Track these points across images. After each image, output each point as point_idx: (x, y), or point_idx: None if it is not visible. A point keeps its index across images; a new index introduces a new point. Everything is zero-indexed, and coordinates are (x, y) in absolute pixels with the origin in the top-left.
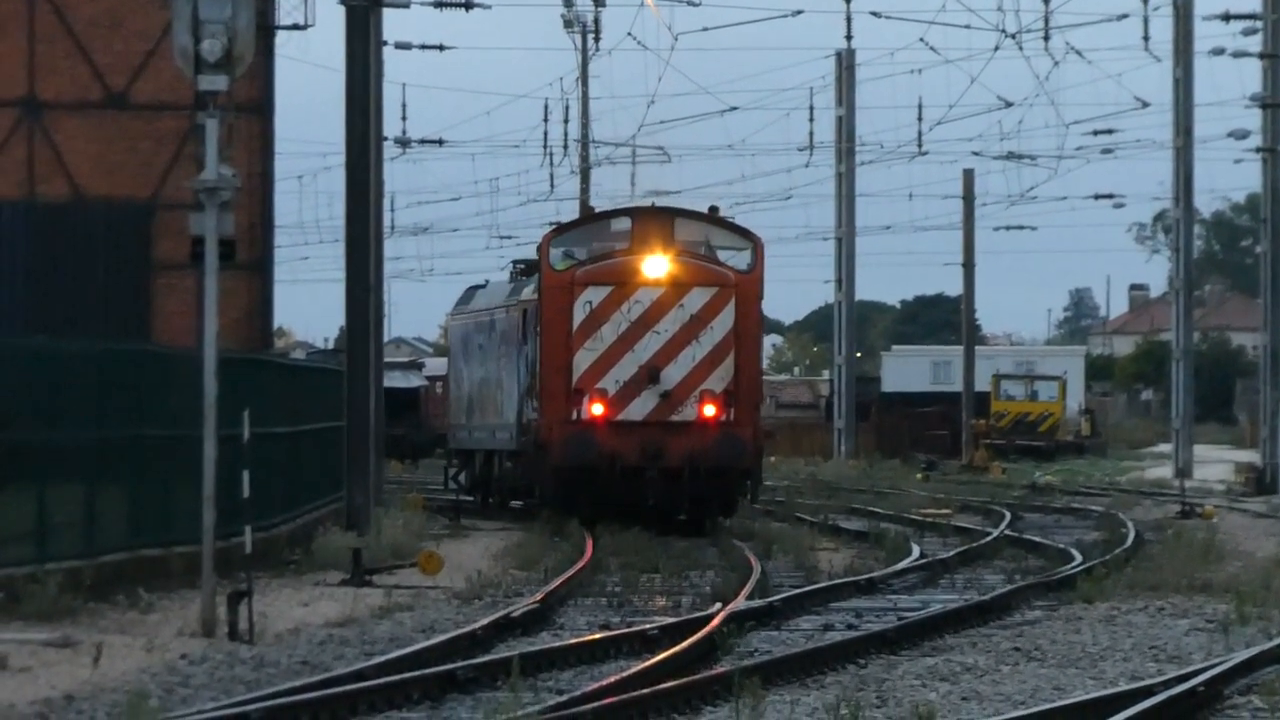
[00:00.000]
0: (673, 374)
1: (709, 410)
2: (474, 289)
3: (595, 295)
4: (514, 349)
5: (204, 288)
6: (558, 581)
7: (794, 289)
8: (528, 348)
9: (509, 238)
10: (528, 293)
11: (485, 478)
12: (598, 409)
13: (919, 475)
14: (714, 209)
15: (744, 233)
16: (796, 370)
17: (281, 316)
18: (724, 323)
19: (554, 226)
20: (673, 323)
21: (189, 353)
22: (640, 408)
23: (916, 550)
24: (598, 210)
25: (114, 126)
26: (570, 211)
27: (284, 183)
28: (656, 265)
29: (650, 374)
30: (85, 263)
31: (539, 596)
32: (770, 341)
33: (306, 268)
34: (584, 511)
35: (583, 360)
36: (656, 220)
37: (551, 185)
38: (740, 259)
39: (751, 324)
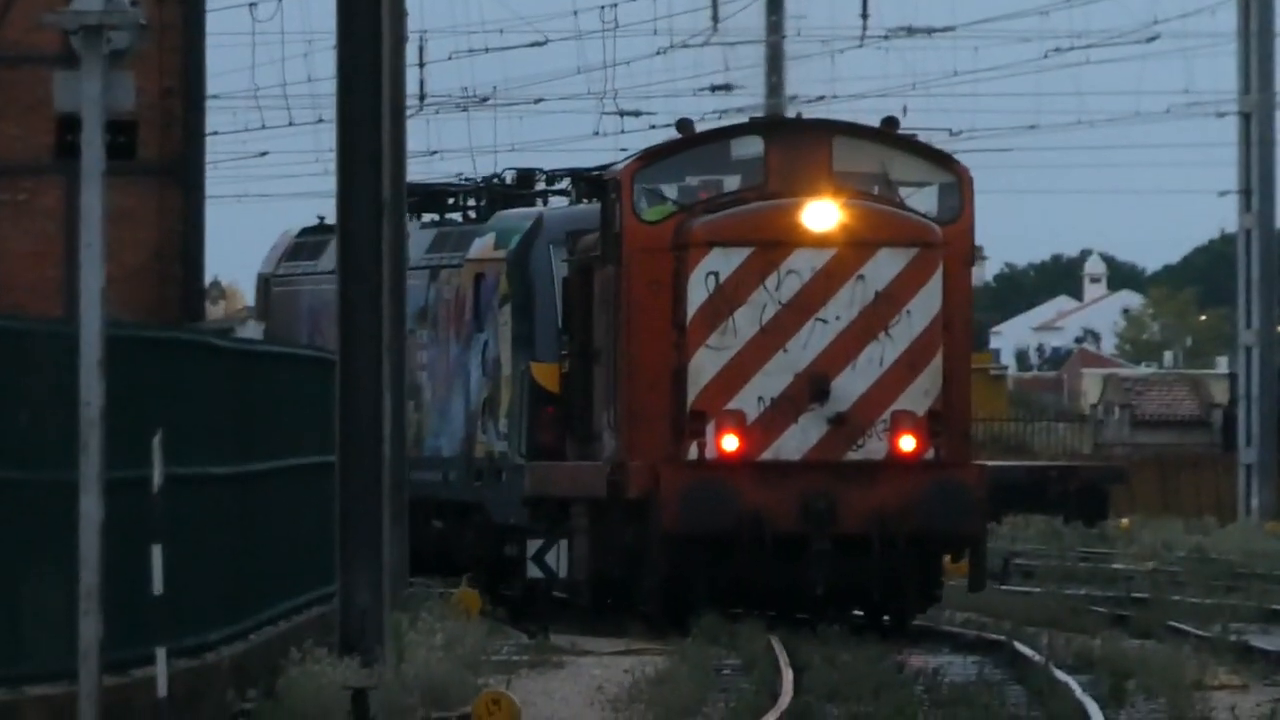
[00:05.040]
0: (849, 387)
1: (908, 443)
2: (310, 232)
3: (724, 262)
4: (449, 341)
5: (79, 208)
6: None
7: (1163, 213)
8: (486, 337)
9: (635, 114)
10: (479, 248)
11: None
12: (730, 443)
13: None
14: (891, 120)
15: (942, 158)
16: (1168, 356)
17: (218, 262)
18: (927, 305)
19: (637, 154)
20: (847, 305)
21: (50, 327)
22: (799, 441)
23: None
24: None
25: None
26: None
27: (223, 14)
28: (821, 214)
29: (814, 386)
30: None
31: None
32: (1120, 302)
33: (262, 171)
34: (702, 603)
35: (705, 365)
36: (806, 140)
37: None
38: (931, 200)
39: (964, 305)
